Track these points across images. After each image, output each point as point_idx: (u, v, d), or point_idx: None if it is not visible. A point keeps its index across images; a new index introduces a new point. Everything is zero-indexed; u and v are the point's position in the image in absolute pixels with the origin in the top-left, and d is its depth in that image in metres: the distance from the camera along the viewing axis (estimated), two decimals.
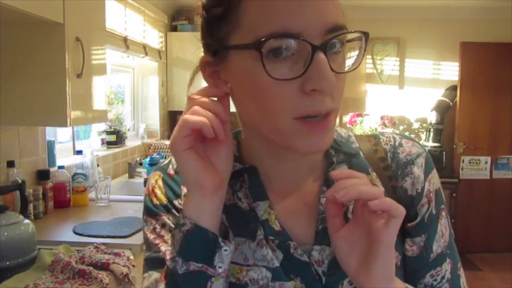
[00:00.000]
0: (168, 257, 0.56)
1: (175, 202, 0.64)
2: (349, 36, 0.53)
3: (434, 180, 0.64)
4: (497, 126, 4.31)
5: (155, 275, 0.61)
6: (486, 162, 4.33)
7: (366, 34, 0.53)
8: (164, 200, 0.65)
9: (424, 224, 0.63)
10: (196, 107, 0.58)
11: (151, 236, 0.64)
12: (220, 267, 0.55)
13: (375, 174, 0.64)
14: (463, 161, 4.31)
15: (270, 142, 0.57)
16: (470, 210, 4.32)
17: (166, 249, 0.59)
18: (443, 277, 0.62)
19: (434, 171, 0.65)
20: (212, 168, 0.55)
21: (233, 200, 0.63)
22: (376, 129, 4.18)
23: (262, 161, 0.63)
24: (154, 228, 0.64)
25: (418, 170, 0.63)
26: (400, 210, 0.51)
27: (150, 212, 0.65)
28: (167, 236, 0.61)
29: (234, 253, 0.58)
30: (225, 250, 0.55)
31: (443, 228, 0.64)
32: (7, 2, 1.32)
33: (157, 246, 0.62)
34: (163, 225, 0.63)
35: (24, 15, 1.47)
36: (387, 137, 0.67)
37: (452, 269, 0.63)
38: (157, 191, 0.65)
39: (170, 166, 0.68)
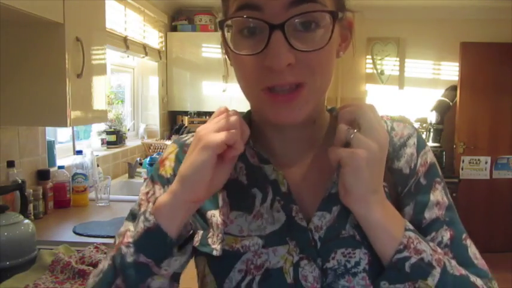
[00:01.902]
0: (124, 240, 0.58)
1: None
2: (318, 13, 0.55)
3: (427, 156, 0.67)
4: (497, 126, 4.31)
5: (129, 226, 0.64)
6: (486, 162, 4.33)
7: (333, 13, 0.55)
8: (169, 173, 0.69)
9: (410, 193, 0.64)
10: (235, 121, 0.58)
11: (141, 196, 0.70)
12: (165, 269, 0.58)
13: None
14: (463, 161, 4.31)
15: (262, 114, 0.63)
16: (470, 210, 4.32)
17: (126, 229, 0.62)
18: (440, 242, 0.62)
19: (427, 148, 0.68)
20: (211, 180, 0.56)
21: (234, 174, 0.65)
22: None
23: (267, 135, 0.67)
24: (147, 192, 0.70)
25: (410, 149, 0.66)
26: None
27: (152, 177, 0.70)
28: (152, 199, 0.63)
29: (231, 226, 0.62)
30: (175, 260, 0.58)
31: (439, 198, 0.64)
32: (7, 2, 1.32)
33: (140, 205, 0.69)
34: (153, 193, 0.69)
35: (24, 15, 1.47)
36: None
37: (454, 237, 0.62)
38: (167, 162, 0.70)
39: (188, 141, 0.70)
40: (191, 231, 0.62)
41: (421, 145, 0.67)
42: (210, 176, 0.55)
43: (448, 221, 0.63)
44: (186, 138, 0.72)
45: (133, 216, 0.68)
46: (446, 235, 0.62)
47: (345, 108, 0.59)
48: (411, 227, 0.59)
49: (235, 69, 0.61)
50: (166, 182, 0.68)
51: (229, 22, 0.57)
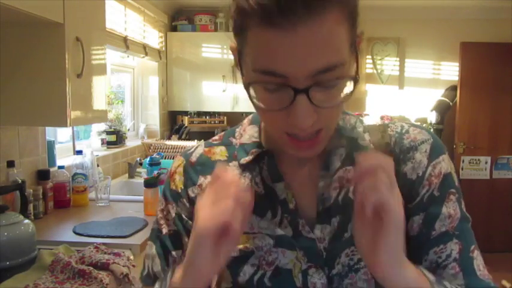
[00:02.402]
0: None
1: (189, 190, 0.72)
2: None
3: (442, 165, 0.66)
4: (497, 126, 4.31)
5: (154, 247, 0.72)
6: (486, 162, 4.33)
7: (354, 78, 0.56)
8: (180, 187, 0.72)
9: (422, 204, 0.65)
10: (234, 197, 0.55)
11: (159, 214, 0.74)
12: None
13: None
14: (463, 161, 4.31)
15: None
16: (470, 210, 4.26)
17: (153, 256, 0.71)
18: (449, 255, 0.63)
19: (444, 156, 0.67)
20: (216, 257, 0.55)
21: (250, 185, 0.68)
22: None
23: (276, 146, 0.67)
24: (162, 210, 0.74)
25: (420, 156, 0.66)
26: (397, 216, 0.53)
27: (165, 194, 0.74)
28: (169, 221, 0.71)
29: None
30: None
31: (452, 210, 0.65)
32: (7, 2, 1.32)
33: (161, 225, 0.72)
34: (168, 212, 0.72)
35: (24, 15, 1.47)
36: (395, 125, 0.70)
37: (462, 250, 0.64)
38: (176, 177, 0.73)
39: (194, 154, 0.74)
40: None
41: (434, 154, 0.66)
42: (210, 258, 0.55)
43: (458, 234, 0.65)
44: (191, 151, 0.76)
45: (154, 234, 0.73)
46: (455, 249, 0.64)
47: (364, 162, 0.55)
48: (432, 277, 0.59)
49: (257, 110, 0.62)
50: (178, 197, 0.72)
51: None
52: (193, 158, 0.74)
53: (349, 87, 0.56)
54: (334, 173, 0.66)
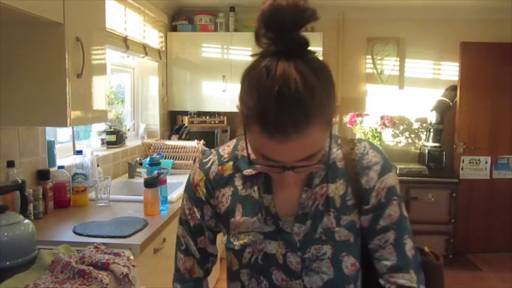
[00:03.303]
0: None
1: (211, 201, 0.98)
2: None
3: (387, 181, 0.91)
4: (497, 126, 4.31)
5: (184, 230, 1.03)
6: (486, 162, 4.33)
7: (325, 164, 0.85)
8: (203, 197, 0.98)
9: (373, 207, 0.91)
10: None
11: (186, 211, 1.02)
12: None
13: (342, 180, 0.91)
14: (463, 161, 4.31)
15: None
16: (470, 210, 4.32)
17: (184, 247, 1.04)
18: (386, 241, 0.91)
19: (390, 174, 0.92)
20: None
21: (249, 192, 0.94)
22: (376, 130, 4.19)
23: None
24: (190, 209, 1.01)
25: (373, 173, 0.91)
26: None
27: (190, 197, 1.01)
28: (194, 218, 1.01)
29: (242, 227, 0.93)
30: None
31: (392, 212, 0.91)
32: (7, 2, 1.32)
33: (188, 219, 1.02)
34: (194, 212, 1.00)
35: (24, 15, 1.47)
36: (360, 145, 0.93)
37: (396, 238, 0.90)
38: (199, 189, 0.99)
39: (211, 172, 0.98)
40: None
41: (383, 172, 0.91)
42: None
43: (395, 227, 0.90)
44: (208, 166, 0.98)
45: (186, 224, 1.03)
46: (392, 236, 0.90)
47: None
48: None
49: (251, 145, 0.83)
50: (203, 203, 0.99)
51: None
52: (211, 176, 0.98)
53: (315, 167, 0.82)
54: (313, 188, 0.91)
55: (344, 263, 0.91)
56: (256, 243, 0.92)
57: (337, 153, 0.93)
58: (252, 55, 0.78)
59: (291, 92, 0.70)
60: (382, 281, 0.91)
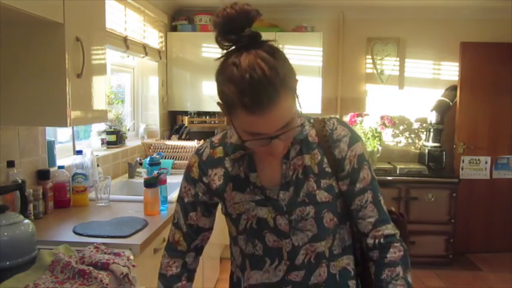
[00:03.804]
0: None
1: (203, 178, 1.14)
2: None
3: (356, 149, 1.07)
4: (497, 126, 4.31)
5: (178, 207, 1.19)
6: (486, 162, 4.33)
7: (301, 125, 1.02)
8: (196, 176, 1.15)
9: (348, 173, 1.07)
10: None
11: (182, 190, 1.18)
12: None
13: (316, 150, 1.07)
14: (463, 161, 4.31)
15: None
16: (470, 210, 4.32)
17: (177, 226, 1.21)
18: (366, 200, 1.08)
19: (358, 143, 1.08)
20: None
21: (237, 171, 1.11)
22: (376, 130, 4.18)
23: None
24: (185, 187, 1.17)
25: (342, 144, 1.07)
26: None
27: (186, 178, 1.17)
28: (189, 195, 1.17)
29: (235, 198, 1.10)
30: None
31: (365, 175, 1.08)
32: (7, 2, 1.32)
33: (183, 196, 1.18)
34: (189, 189, 1.17)
35: (24, 15, 1.47)
36: (330, 122, 1.09)
37: (373, 196, 1.08)
38: (194, 169, 1.15)
39: (203, 154, 1.15)
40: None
41: (351, 143, 1.07)
42: None
43: (370, 187, 1.08)
44: (202, 151, 1.16)
45: (181, 201, 1.19)
46: (370, 196, 1.08)
47: None
48: None
49: (240, 138, 0.99)
50: (195, 181, 1.15)
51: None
52: (204, 157, 1.14)
53: (296, 129, 0.98)
54: (291, 160, 1.07)
55: (325, 219, 1.07)
56: (249, 210, 1.08)
57: (310, 131, 1.09)
58: (217, 58, 0.96)
59: (259, 75, 0.88)
60: (369, 240, 1.07)
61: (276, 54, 0.92)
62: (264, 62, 0.89)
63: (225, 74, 0.92)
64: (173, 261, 1.20)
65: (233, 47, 0.94)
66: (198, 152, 1.16)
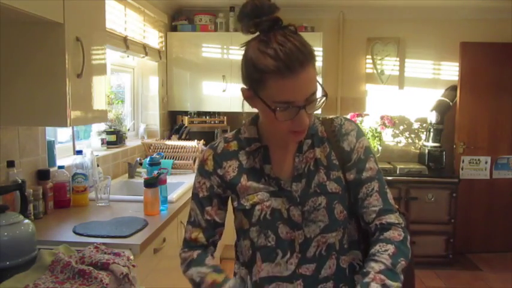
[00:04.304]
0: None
1: (218, 171, 1.16)
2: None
3: (363, 142, 1.15)
4: (497, 126, 4.31)
5: (194, 204, 1.19)
6: (486, 162, 4.33)
7: (326, 95, 1.04)
8: (211, 169, 1.17)
9: (355, 163, 1.13)
10: None
11: (196, 184, 1.20)
12: None
13: (326, 144, 1.14)
14: (463, 161, 4.31)
15: (277, 134, 1.12)
16: (470, 210, 4.32)
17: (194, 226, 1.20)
18: (372, 189, 1.12)
19: (364, 137, 1.16)
20: None
21: (252, 164, 1.15)
22: (376, 130, 4.18)
23: (269, 136, 1.15)
24: (199, 182, 1.19)
25: (351, 137, 1.15)
26: None
27: (201, 172, 1.19)
28: (203, 189, 1.18)
29: (249, 189, 1.12)
30: None
31: (372, 165, 1.13)
32: (7, 2, 1.32)
33: (198, 191, 1.19)
34: (204, 183, 1.18)
35: (24, 15, 1.47)
36: (338, 120, 1.17)
37: (379, 186, 1.12)
38: (208, 162, 1.18)
39: (218, 148, 1.18)
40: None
41: (358, 135, 1.15)
42: None
43: (377, 178, 1.13)
44: (216, 145, 1.19)
45: (196, 197, 1.19)
46: (376, 186, 1.12)
47: None
48: None
49: (267, 119, 1.07)
50: (210, 174, 1.17)
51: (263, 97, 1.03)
52: (218, 150, 1.18)
53: (319, 102, 1.03)
54: (304, 154, 1.13)
55: (335, 210, 1.10)
56: (264, 201, 1.11)
57: (320, 127, 1.16)
58: (243, 44, 1.05)
59: (290, 46, 0.98)
60: (372, 228, 1.10)
61: (298, 34, 1.03)
62: (292, 37, 0.99)
63: (255, 52, 1.00)
64: (195, 251, 1.18)
65: (257, 33, 1.03)
66: (212, 146, 1.20)
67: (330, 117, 1.20)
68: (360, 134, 1.16)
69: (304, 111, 1.00)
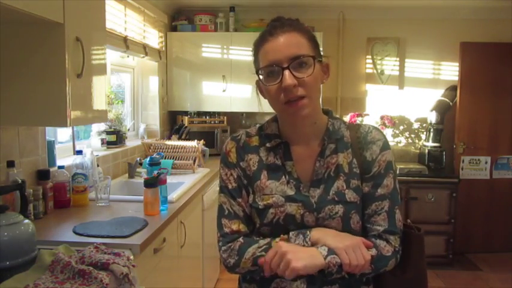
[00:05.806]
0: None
1: (241, 163, 1.16)
2: (307, 58, 1.06)
3: (387, 156, 1.12)
4: (497, 126, 4.31)
5: (225, 196, 1.16)
6: (486, 162, 4.33)
7: (313, 57, 1.07)
8: (234, 161, 1.17)
9: (373, 176, 1.11)
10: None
11: (223, 176, 1.18)
12: None
13: (350, 150, 1.13)
14: (463, 161, 4.31)
15: (286, 118, 1.13)
16: (470, 210, 4.32)
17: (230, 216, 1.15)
18: (382, 208, 1.10)
19: (389, 151, 1.13)
20: None
21: (273, 160, 1.14)
22: None
23: (288, 132, 1.15)
24: (226, 173, 1.18)
25: (375, 147, 1.13)
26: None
27: (225, 163, 1.18)
28: (231, 180, 1.16)
29: (266, 189, 1.11)
30: None
31: (389, 183, 1.11)
32: (7, 2, 1.32)
33: (226, 183, 1.17)
34: (231, 174, 1.17)
35: (24, 15, 1.47)
36: (365, 126, 1.16)
37: (390, 206, 1.10)
38: (231, 154, 1.18)
39: (240, 141, 1.19)
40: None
41: (384, 148, 1.13)
42: None
43: (390, 197, 1.11)
44: (239, 138, 1.19)
45: (222, 189, 1.17)
46: (386, 205, 1.10)
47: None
48: None
49: (268, 97, 1.10)
50: (233, 166, 1.17)
51: (260, 71, 1.09)
52: (241, 143, 1.18)
53: (312, 67, 1.05)
54: (325, 158, 1.11)
55: (352, 220, 1.09)
56: (278, 205, 1.09)
57: (345, 132, 1.15)
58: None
59: (280, 22, 1.08)
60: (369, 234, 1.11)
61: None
62: (289, 19, 1.09)
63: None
64: (238, 240, 1.12)
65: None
66: (235, 138, 1.19)
67: (358, 124, 1.18)
68: (386, 146, 1.13)
69: (289, 72, 1.02)
